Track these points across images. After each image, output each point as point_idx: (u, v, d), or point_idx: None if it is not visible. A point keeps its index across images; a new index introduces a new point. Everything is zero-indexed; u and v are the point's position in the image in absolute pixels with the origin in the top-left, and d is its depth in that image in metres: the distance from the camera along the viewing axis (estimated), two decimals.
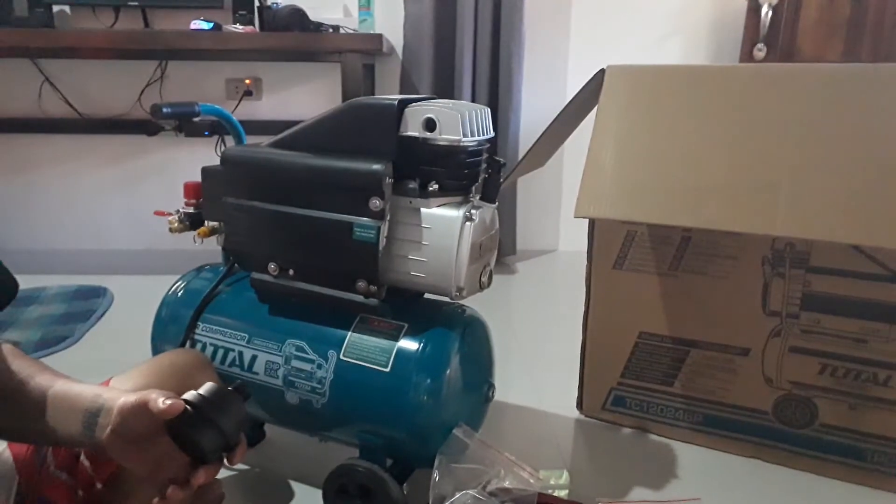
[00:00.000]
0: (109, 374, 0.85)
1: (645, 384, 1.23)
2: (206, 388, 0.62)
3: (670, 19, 2.35)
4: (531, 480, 0.94)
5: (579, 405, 1.30)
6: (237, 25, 2.12)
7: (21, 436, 0.67)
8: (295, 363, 0.92)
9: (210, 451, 0.61)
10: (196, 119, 1.09)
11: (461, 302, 0.91)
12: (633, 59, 1.20)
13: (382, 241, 0.86)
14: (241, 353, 0.96)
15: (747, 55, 2.18)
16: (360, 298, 0.90)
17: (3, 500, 0.66)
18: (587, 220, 1.16)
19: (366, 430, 0.92)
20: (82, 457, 0.73)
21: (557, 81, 2.39)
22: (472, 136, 0.79)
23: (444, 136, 0.81)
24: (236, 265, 1.04)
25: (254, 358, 0.95)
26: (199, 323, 1.00)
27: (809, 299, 1.07)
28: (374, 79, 2.35)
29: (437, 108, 0.82)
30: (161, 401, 0.58)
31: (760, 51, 2.15)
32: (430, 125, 0.82)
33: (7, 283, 0.67)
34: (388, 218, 0.86)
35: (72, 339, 1.60)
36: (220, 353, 0.97)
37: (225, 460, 0.63)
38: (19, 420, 0.63)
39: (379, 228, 0.85)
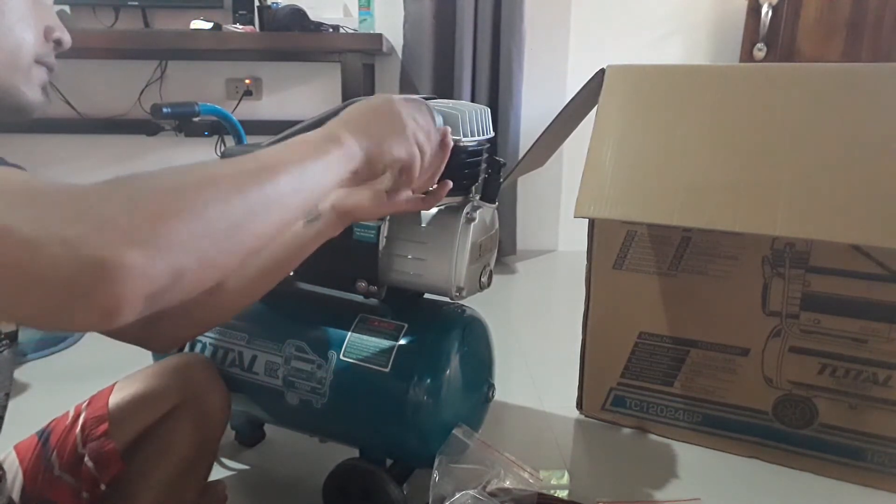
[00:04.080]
0: (110, 374, 0.85)
1: (645, 384, 1.23)
2: None
3: (670, 19, 2.35)
4: (531, 480, 0.94)
5: (579, 405, 1.30)
6: (237, 25, 2.12)
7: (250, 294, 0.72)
8: (295, 363, 0.92)
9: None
10: (196, 119, 1.09)
11: (461, 302, 0.91)
12: (633, 59, 1.20)
13: (382, 241, 0.86)
14: (240, 354, 0.96)
15: (747, 55, 2.18)
16: (360, 298, 0.90)
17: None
18: (587, 220, 1.16)
19: (366, 430, 0.92)
20: (86, 458, 0.74)
21: (557, 81, 2.39)
22: (472, 136, 0.79)
23: None
24: None
25: (254, 358, 0.95)
26: None
27: (809, 299, 1.07)
28: (373, 79, 2.35)
29: (437, 108, 0.81)
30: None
31: (760, 51, 2.15)
32: None
33: None
34: (388, 218, 0.86)
35: (72, 339, 1.60)
36: (220, 353, 0.97)
37: None
38: (232, 282, 0.68)
39: (379, 228, 0.85)
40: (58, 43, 0.61)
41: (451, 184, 0.73)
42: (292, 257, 0.72)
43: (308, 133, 0.55)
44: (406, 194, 0.70)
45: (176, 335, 0.72)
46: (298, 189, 0.48)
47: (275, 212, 0.46)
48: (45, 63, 0.60)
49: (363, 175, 0.58)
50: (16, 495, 0.70)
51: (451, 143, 0.69)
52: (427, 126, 0.65)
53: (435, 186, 0.72)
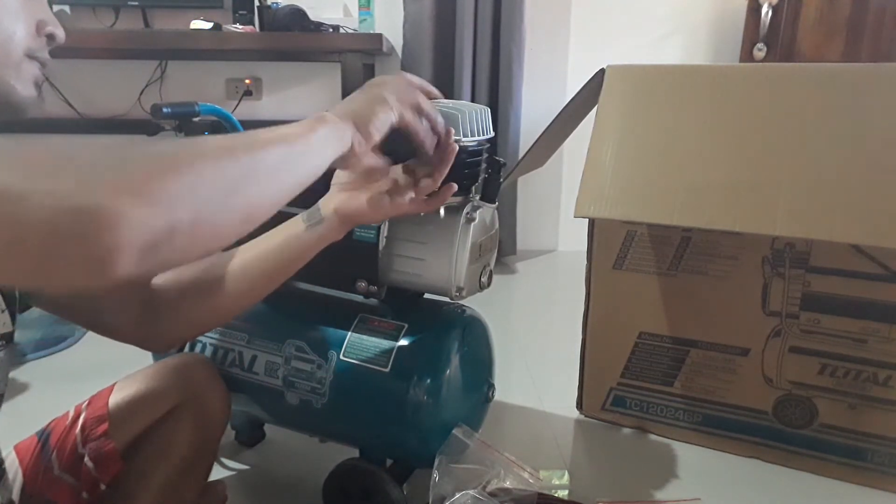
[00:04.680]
0: (110, 374, 0.85)
1: (645, 384, 1.23)
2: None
3: (670, 19, 2.35)
4: (531, 480, 0.94)
5: (579, 405, 1.30)
6: (237, 25, 2.12)
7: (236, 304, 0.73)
8: (295, 363, 0.92)
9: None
10: (196, 119, 1.09)
11: (461, 302, 0.91)
12: (633, 59, 1.19)
13: (382, 241, 0.86)
14: (240, 354, 0.96)
15: (747, 55, 2.18)
16: (360, 298, 0.90)
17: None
18: (587, 220, 1.16)
19: (366, 430, 0.92)
20: (86, 458, 0.74)
21: (557, 81, 2.39)
22: (472, 135, 0.79)
23: None
24: None
25: (254, 358, 0.95)
26: None
27: (809, 299, 1.07)
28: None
29: (438, 107, 0.81)
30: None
31: (760, 51, 2.15)
32: None
33: None
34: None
35: (72, 339, 1.60)
36: (220, 353, 0.97)
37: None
38: (233, 286, 0.70)
39: (379, 228, 0.85)
40: (51, 37, 0.59)
41: (455, 187, 0.73)
42: (294, 261, 0.72)
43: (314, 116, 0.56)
44: (409, 196, 0.70)
45: (175, 335, 0.73)
46: (288, 160, 0.50)
47: (266, 181, 0.47)
48: (38, 58, 0.58)
49: (362, 148, 0.58)
50: (16, 495, 0.70)
51: (456, 148, 0.70)
52: (413, 88, 0.66)
53: (438, 189, 0.72)
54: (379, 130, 0.60)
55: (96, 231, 0.35)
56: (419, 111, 0.65)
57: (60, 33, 0.59)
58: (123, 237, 0.36)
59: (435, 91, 0.72)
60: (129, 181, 0.37)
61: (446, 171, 0.70)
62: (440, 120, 0.68)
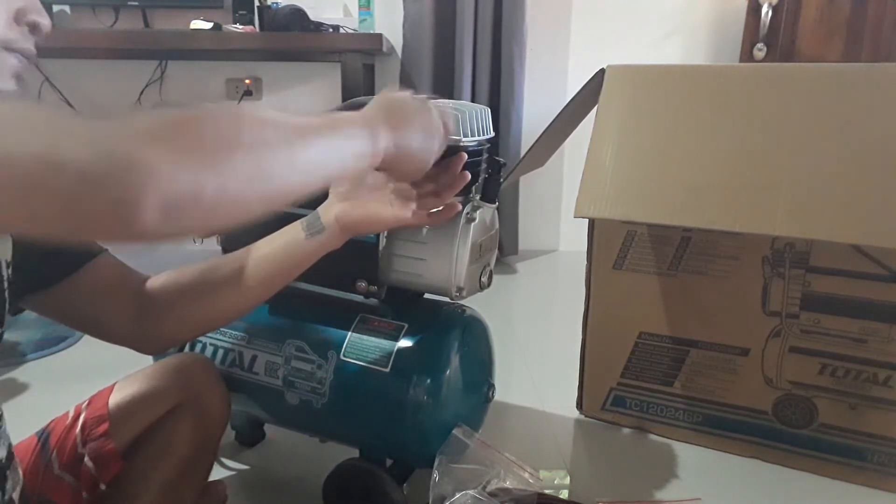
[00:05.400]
0: (110, 374, 0.85)
1: (645, 384, 1.23)
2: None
3: (670, 19, 2.35)
4: (531, 480, 0.94)
5: (579, 405, 1.30)
6: (237, 25, 2.12)
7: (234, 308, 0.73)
8: (295, 363, 0.92)
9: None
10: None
11: (461, 302, 0.91)
12: (633, 59, 1.19)
13: (382, 241, 0.86)
14: (240, 354, 0.96)
15: (747, 55, 2.18)
16: (360, 298, 0.90)
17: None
18: (587, 220, 1.16)
19: (366, 430, 0.92)
20: (86, 458, 0.74)
21: (558, 81, 2.39)
22: (473, 136, 0.79)
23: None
24: None
25: (254, 358, 0.95)
26: None
27: (809, 299, 1.07)
28: (374, 79, 2.35)
29: (438, 107, 0.81)
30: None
31: (760, 51, 2.15)
32: None
33: (85, 245, 0.69)
34: None
35: (72, 339, 1.60)
36: (220, 353, 0.97)
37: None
38: (229, 291, 0.70)
39: None
40: (33, 27, 0.55)
41: (459, 206, 0.74)
42: (293, 268, 0.72)
43: (347, 112, 0.55)
44: (412, 209, 0.70)
45: (170, 338, 0.72)
46: (322, 158, 0.49)
47: (295, 173, 0.47)
48: (18, 50, 0.54)
49: (384, 169, 0.59)
50: (16, 495, 0.70)
51: (468, 177, 0.71)
52: (442, 133, 0.66)
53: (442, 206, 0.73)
54: (410, 172, 0.62)
55: (126, 175, 0.35)
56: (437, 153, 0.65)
57: (45, 22, 0.55)
58: (150, 186, 0.36)
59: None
60: (166, 137, 0.38)
61: (453, 193, 0.71)
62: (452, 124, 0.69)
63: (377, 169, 0.58)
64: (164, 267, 0.73)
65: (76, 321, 0.69)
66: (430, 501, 0.87)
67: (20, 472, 0.67)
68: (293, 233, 0.72)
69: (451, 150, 0.75)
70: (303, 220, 0.73)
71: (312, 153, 0.48)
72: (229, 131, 0.42)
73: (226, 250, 1.06)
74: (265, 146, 0.44)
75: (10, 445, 0.63)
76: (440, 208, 0.73)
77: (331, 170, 0.51)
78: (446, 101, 0.77)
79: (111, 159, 0.35)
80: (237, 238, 1.00)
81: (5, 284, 0.60)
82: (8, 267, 0.60)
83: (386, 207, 0.70)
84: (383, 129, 0.56)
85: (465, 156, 0.72)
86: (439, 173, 0.72)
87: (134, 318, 0.69)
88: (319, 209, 0.73)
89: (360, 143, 0.53)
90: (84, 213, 0.36)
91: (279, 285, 0.73)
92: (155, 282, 0.71)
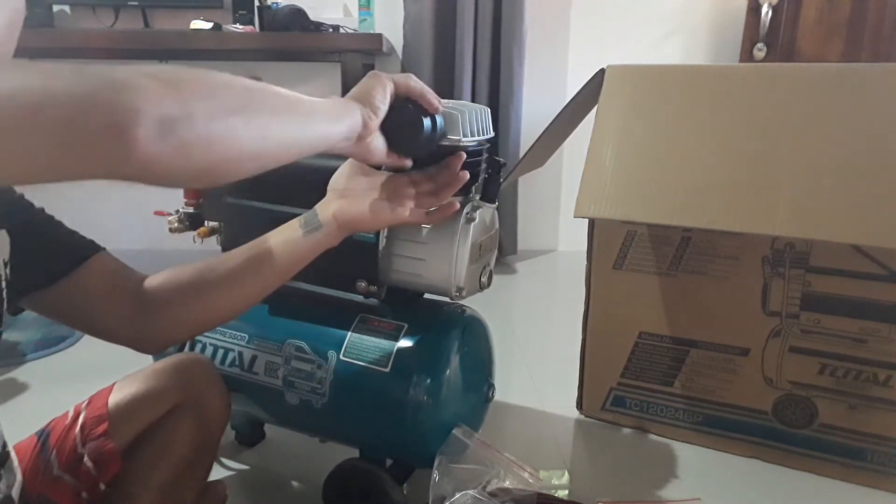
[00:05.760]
0: (110, 374, 0.85)
1: (645, 384, 1.23)
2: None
3: (670, 19, 2.35)
4: (531, 480, 0.94)
5: (579, 405, 1.30)
6: (237, 25, 2.12)
7: (232, 305, 0.73)
8: (295, 363, 0.92)
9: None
10: None
11: (461, 302, 0.91)
12: (633, 59, 1.19)
13: (382, 241, 0.86)
14: (240, 354, 0.96)
15: (747, 55, 2.19)
16: (359, 298, 0.90)
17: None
18: (587, 220, 1.16)
19: (366, 430, 0.92)
20: (86, 458, 0.73)
21: (557, 81, 2.39)
22: (473, 135, 0.79)
23: (443, 135, 0.81)
24: None
25: (254, 358, 0.95)
26: None
27: (809, 299, 1.07)
28: None
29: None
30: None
31: (760, 51, 2.15)
32: None
33: (72, 248, 0.69)
34: None
35: (72, 339, 1.60)
36: (220, 353, 0.97)
37: None
38: (228, 289, 0.70)
39: None
40: None
41: (457, 205, 0.75)
42: (290, 266, 0.72)
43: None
44: (409, 207, 0.70)
45: (168, 337, 0.72)
46: (299, 108, 0.52)
47: (278, 121, 0.49)
48: None
49: (372, 121, 0.60)
50: (15, 493, 0.70)
51: (467, 176, 0.72)
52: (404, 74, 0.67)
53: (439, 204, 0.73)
54: (382, 101, 0.61)
55: (119, 95, 0.37)
56: (412, 81, 0.66)
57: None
58: (144, 104, 0.37)
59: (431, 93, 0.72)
60: (155, 71, 0.40)
61: (451, 193, 0.71)
62: (431, 92, 0.69)
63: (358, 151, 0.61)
64: (165, 268, 0.72)
65: (75, 320, 0.69)
66: (430, 501, 0.87)
67: (19, 471, 0.67)
68: (290, 230, 0.72)
69: (451, 150, 0.75)
70: (300, 217, 0.72)
71: (303, 107, 0.52)
72: (215, 77, 0.44)
73: (226, 250, 1.06)
74: (247, 91, 0.47)
75: (4, 444, 0.63)
76: (438, 207, 0.73)
77: (324, 127, 0.54)
78: (446, 100, 0.77)
79: (101, 84, 0.37)
80: (237, 238, 1.00)
81: (3, 284, 0.60)
82: (6, 266, 0.60)
83: (383, 205, 0.70)
84: (351, 98, 0.60)
85: (465, 155, 0.72)
86: (438, 172, 0.72)
87: (132, 317, 0.69)
88: (317, 206, 0.73)
89: (335, 106, 0.56)
90: (81, 138, 0.36)
91: (277, 283, 0.73)
92: (153, 280, 0.71)
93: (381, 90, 0.62)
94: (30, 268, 0.63)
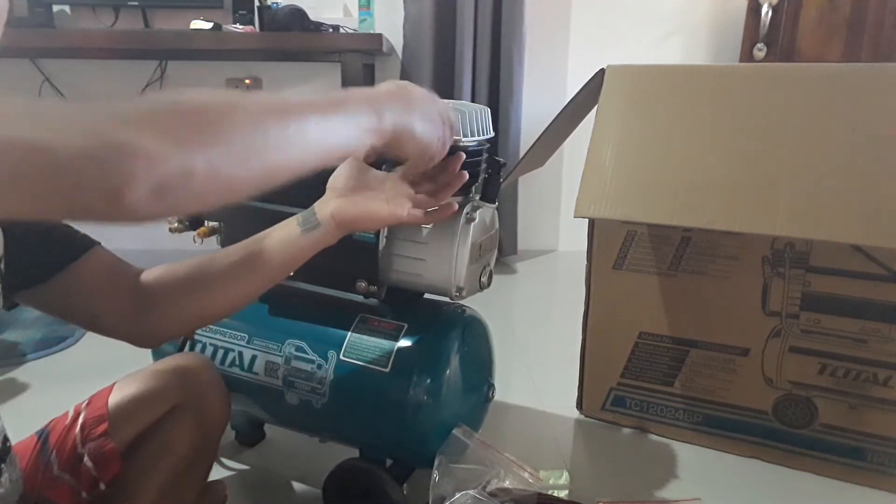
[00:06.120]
0: (110, 374, 0.85)
1: (645, 384, 1.23)
2: None
3: (670, 19, 2.35)
4: (531, 480, 0.94)
5: (579, 405, 1.30)
6: (237, 25, 2.12)
7: (229, 302, 0.72)
8: (295, 363, 0.92)
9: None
10: None
11: (461, 302, 0.91)
12: (633, 59, 1.19)
13: (382, 241, 0.86)
14: (240, 354, 0.96)
15: (747, 55, 2.18)
16: (359, 298, 0.90)
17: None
18: (587, 220, 1.16)
19: (366, 430, 0.92)
20: (85, 458, 0.73)
21: (557, 81, 2.39)
22: (472, 135, 0.79)
23: None
24: None
25: (254, 358, 0.95)
26: None
27: (809, 299, 1.07)
28: (374, 79, 2.35)
29: (443, 105, 0.81)
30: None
31: (760, 51, 2.15)
32: None
33: (66, 243, 0.69)
34: None
35: (72, 339, 1.60)
36: (220, 353, 0.97)
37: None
38: (227, 284, 0.70)
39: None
40: None
41: (455, 206, 0.75)
42: (287, 264, 0.72)
43: (350, 90, 0.55)
44: (407, 207, 0.70)
45: (166, 332, 0.72)
46: (318, 136, 0.49)
47: (291, 150, 0.47)
48: None
49: (387, 149, 0.59)
50: (18, 487, 0.70)
51: (466, 176, 0.72)
52: (447, 125, 0.66)
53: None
54: (410, 151, 0.61)
55: (116, 157, 0.37)
56: (443, 145, 0.66)
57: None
58: (140, 168, 0.37)
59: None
60: (155, 120, 0.39)
61: (450, 193, 0.72)
62: (456, 122, 0.70)
63: (380, 147, 0.58)
64: (162, 262, 0.72)
65: (71, 315, 0.69)
66: (430, 501, 0.87)
67: (19, 468, 0.67)
68: (288, 228, 0.72)
69: (451, 150, 0.75)
70: (298, 215, 0.72)
71: (311, 129, 0.48)
72: (219, 113, 0.43)
73: None
74: (258, 126, 0.44)
75: (5, 438, 0.63)
76: (436, 208, 0.73)
77: (332, 145, 0.51)
78: (446, 101, 0.77)
79: (101, 143, 0.37)
80: (237, 238, 1.00)
81: None
82: (0, 262, 0.60)
83: (382, 205, 0.70)
84: (388, 106, 0.56)
85: (464, 155, 0.73)
86: (437, 172, 0.72)
87: (129, 312, 0.68)
88: (315, 205, 0.72)
89: (365, 120, 0.54)
90: (75, 195, 0.37)
91: (274, 280, 0.73)
92: (150, 275, 0.71)
93: (416, 146, 0.61)
94: (25, 264, 0.63)
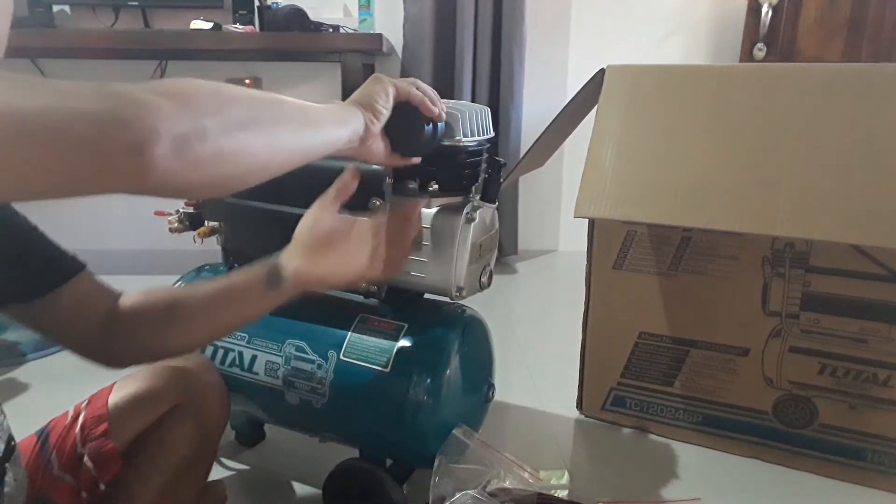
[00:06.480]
0: (110, 374, 0.85)
1: (645, 384, 1.23)
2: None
3: (670, 19, 2.35)
4: (531, 480, 0.94)
5: (579, 405, 1.30)
6: (237, 25, 2.12)
7: (192, 341, 0.74)
8: (295, 363, 0.92)
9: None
10: None
11: (461, 302, 0.91)
12: (633, 59, 1.20)
13: None
14: (240, 354, 0.96)
15: (747, 55, 2.18)
16: (360, 298, 0.90)
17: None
18: (587, 220, 1.16)
19: (366, 430, 0.92)
20: (86, 458, 0.73)
21: (557, 81, 2.39)
22: (473, 136, 0.79)
23: (444, 136, 0.81)
24: (236, 265, 1.04)
25: (254, 358, 0.95)
26: None
27: (809, 299, 1.07)
28: None
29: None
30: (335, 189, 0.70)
31: (760, 51, 2.15)
32: None
33: (61, 263, 0.70)
34: (387, 218, 0.86)
35: None
36: (220, 353, 0.97)
37: None
38: (188, 328, 0.71)
39: None
40: None
41: (402, 269, 0.77)
42: (252, 315, 0.73)
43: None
44: (366, 263, 0.71)
45: (128, 359, 0.72)
46: (306, 117, 0.54)
47: (286, 131, 0.51)
48: None
49: (374, 125, 0.63)
50: (24, 486, 0.70)
51: (419, 226, 0.75)
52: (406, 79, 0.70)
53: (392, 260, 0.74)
54: (384, 106, 0.64)
55: (136, 114, 0.39)
56: (415, 86, 0.69)
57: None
58: (160, 123, 0.39)
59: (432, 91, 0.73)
60: (167, 89, 0.42)
61: (410, 239, 0.75)
62: (433, 92, 0.71)
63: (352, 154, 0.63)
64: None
65: (48, 332, 0.69)
66: (430, 501, 0.87)
67: (23, 468, 0.67)
68: (255, 281, 0.71)
69: (451, 150, 0.75)
70: (267, 269, 0.71)
71: (307, 115, 0.54)
72: (220, 90, 0.46)
73: (225, 250, 1.06)
74: (256, 103, 0.49)
75: (11, 437, 0.63)
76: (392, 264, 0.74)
77: (328, 134, 0.57)
78: (446, 101, 0.77)
79: (120, 104, 0.38)
80: (237, 237, 1.00)
81: None
82: None
83: (344, 267, 0.70)
84: (353, 103, 0.63)
85: (420, 208, 0.73)
86: (397, 219, 0.73)
87: (101, 336, 0.69)
88: (282, 259, 0.71)
89: (340, 112, 0.60)
90: (100, 157, 0.38)
91: (239, 326, 0.78)
92: (126, 300, 0.71)
93: (384, 95, 0.64)
94: (8, 282, 0.63)
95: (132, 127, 0.38)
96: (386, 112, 0.64)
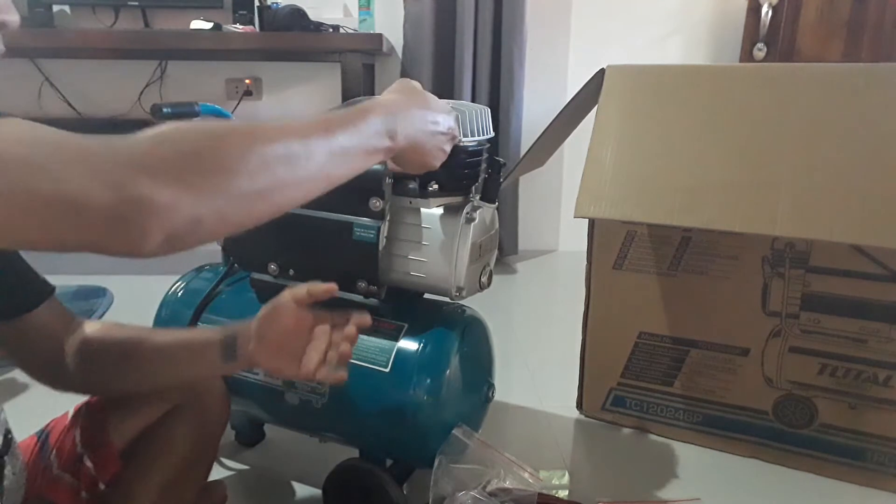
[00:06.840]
0: None
1: (645, 384, 1.23)
2: None
3: (670, 19, 2.35)
4: (531, 480, 0.94)
5: (579, 405, 1.30)
6: (237, 25, 2.12)
7: (143, 385, 0.75)
8: None
9: None
10: (196, 119, 1.09)
11: (461, 302, 0.91)
12: (633, 59, 1.20)
13: (382, 242, 0.86)
14: None
15: (747, 55, 2.19)
16: (360, 298, 0.90)
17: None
18: (587, 220, 1.16)
19: (366, 431, 0.92)
20: (85, 458, 0.74)
21: (558, 81, 2.39)
22: (472, 136, 0.79)
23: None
24: (236, 265, 1.04)
25: None
26: (199, 323, 1.00)
27: (809, 299, 1.07)
28: (374, 79, 2.35)
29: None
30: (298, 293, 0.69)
31: (760, 51, 2.15)
32: None
33: (36, 286, 0.70)
34: (387, 218, 0.86)
35: None
36: None
37: None
38: (142, 372, 0.72)
39: (379, 228, 0.85)
40: (1, 25, 0.56)
41: (346, 377, 0.71)
42: (199, 375, 0.75)
43: (354, 116, 0.56)
44: (317, 362, 0.69)
45: (81, 387, 0.73)
46: (330, 173, 0.52)
47: (299, 189, 0.50)
48: None
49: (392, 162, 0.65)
50: (22, 478, 0.70)
51: (356, 337, 0.71)
52: (449, 135, 0.70)
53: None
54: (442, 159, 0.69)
55: (136, 217, 0.40)
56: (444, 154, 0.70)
57: (13, 18, 0.56)
58: (155, 226, 0.41)
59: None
60: (168, 168, 0.42)
61: (355, 341, 0.71)
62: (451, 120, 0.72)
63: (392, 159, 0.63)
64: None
65: (13, 352, 0.70)
66: (430, 501, 0.87)
67: (22, 461, 0.67)
68: (212, 348, 0.71)
69: (453, 151, 0.74)
70: (225, 338, 0.71)
71: (316, 161, 0.50)
72: (235, 153, 0.45)
73: (225, 250, 1.06)
74: (267, 167, 0.46)
75: (8, 430, 0.63)
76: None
77: (341, 176, 0.54)
78: (446, 101, 0.77)
79: (122, 199, 0.40)
80: (236, 237, 1.00)
81: None
82: None
83: (294, 366, 0.69)
84: (402, 123, 0.60)
85: (369, 318, 0.71)
86: (349, 318, 0.71)
87: (57, 361, 0.70)
88: (240, 333, 0.71)
89: (376, 142, 0.57)
90: (97, 243, 0.41)
91: (189, 381, 0.77)
92: (90, 330, 0.72)
93: (427, 164, 0.68)
94: None
95: (128, 228, 0.40)
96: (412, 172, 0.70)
